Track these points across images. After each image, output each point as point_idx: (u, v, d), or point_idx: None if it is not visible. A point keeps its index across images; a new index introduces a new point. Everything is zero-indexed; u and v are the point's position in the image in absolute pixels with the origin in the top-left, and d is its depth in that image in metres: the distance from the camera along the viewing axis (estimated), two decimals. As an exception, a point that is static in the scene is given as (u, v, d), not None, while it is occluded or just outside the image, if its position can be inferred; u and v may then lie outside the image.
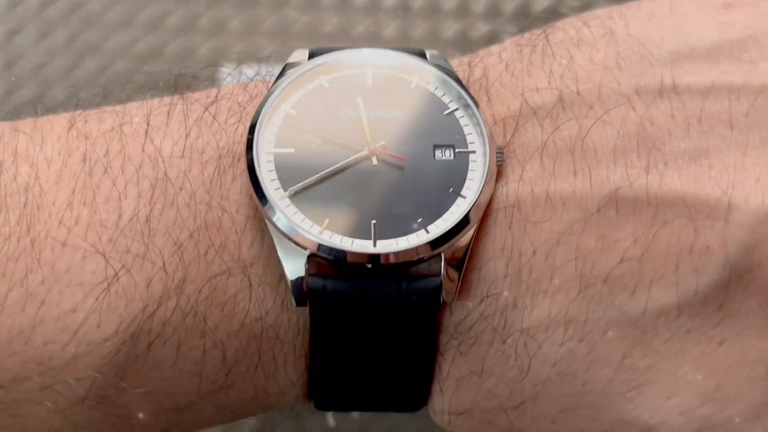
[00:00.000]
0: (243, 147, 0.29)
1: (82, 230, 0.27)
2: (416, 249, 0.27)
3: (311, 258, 0.27)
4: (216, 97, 0.30)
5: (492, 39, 0.49)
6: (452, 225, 0.28)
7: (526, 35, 0.32)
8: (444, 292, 0.28)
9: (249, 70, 0.33)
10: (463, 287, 0.28)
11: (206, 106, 0.30)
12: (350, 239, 0.27)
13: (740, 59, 0.29)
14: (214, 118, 0.29)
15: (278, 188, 0.28)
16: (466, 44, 0.49)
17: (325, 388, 0.29)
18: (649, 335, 0.27)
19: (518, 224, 0.28)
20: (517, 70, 0.30)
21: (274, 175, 0.28)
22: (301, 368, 0.29)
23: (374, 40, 0.49)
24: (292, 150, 0.29)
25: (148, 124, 0.29)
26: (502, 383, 0.29)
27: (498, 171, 0.28)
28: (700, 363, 0.27)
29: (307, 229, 0.27)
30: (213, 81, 0.36)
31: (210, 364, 0.28)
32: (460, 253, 0.28)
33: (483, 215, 0.28)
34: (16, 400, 0.27)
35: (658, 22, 0.30)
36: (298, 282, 0.27)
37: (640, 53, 0.29)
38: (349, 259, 0.27)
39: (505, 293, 0.28)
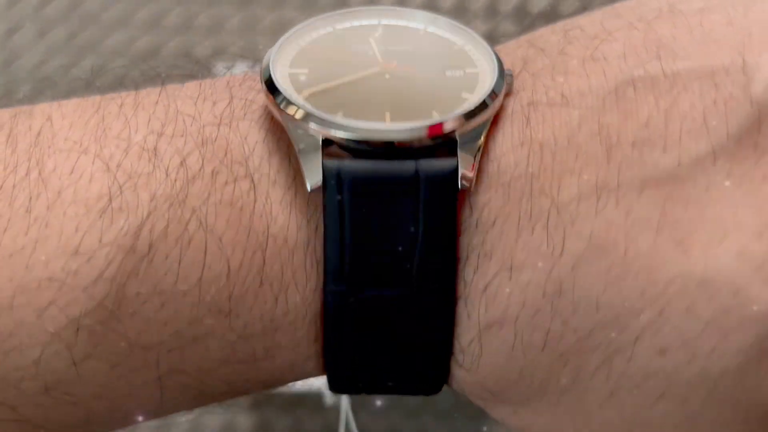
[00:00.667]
0: (255, 94, 0.29)
1: (90, 159, 0.27)
2: (430, 127, 0.27)
3: (325, 145, 0.27)
4: (226, 76, 0.31)
5: (490, 38, 0.49)
6: (467, 110, 0.27)
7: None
8: (461, 175, 0.27)
9: (245, 68, 0.33)
10: (482, 179, 0.27)
11: (217, 73, 0.31)
12: (364, 122, 0.27)
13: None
14: (227, 82, 0.30)
15: (293, 91, 0.28)
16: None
17: (339, 313, 0.28)
18: (687, 186, 0.26)
19: (536, 117, 0.27)
20: (520, 40, 0.31)
21: (289, 83, 0.28)
22: (312, 287, 0.28)
23: (373, 39, 0.50)
24: (306, 70, 0.29)
25: (161, 86, 0.29)
26: (536, 274, 0.27)
27: (508, 93, 0.28)
28: (746, 202, 0.26)
29: (320, 113, 0.27)
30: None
31: (212, 282, 0.27)
32: (476, 139, 0.27)
33: (496, 116, 0.28)
34: (13, 323, 0.27)
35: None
36: (313, 168, 0.27)
37: (637, 2, 0.30)
38: (363, 135, 0.27)
39: (529, 179, 0.27)
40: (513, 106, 0.28)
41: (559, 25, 0.30)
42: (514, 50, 0.30)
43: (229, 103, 0.29)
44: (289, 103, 0.27)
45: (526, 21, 0.50)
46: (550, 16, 0.50)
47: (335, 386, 0.29)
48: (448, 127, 0.27)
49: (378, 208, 0.27)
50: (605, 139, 0.27)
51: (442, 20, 0.31)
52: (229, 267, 0.27)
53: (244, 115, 0.29)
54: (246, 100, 0.29)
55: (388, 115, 0.28)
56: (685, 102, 0.27)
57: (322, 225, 0.27)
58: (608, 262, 0.26)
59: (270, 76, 0.28)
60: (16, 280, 0.26)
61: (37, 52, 0.49)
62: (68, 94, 0.47)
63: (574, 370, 0.27)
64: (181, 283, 0.27)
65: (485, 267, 0.27)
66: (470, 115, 0.27)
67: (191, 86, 0.30)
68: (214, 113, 0.28)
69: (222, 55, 0.49)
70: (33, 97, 0.48)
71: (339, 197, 0.27)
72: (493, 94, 0.28)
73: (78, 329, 0.27)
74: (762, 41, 0.28)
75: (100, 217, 0.27)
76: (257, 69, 0.31)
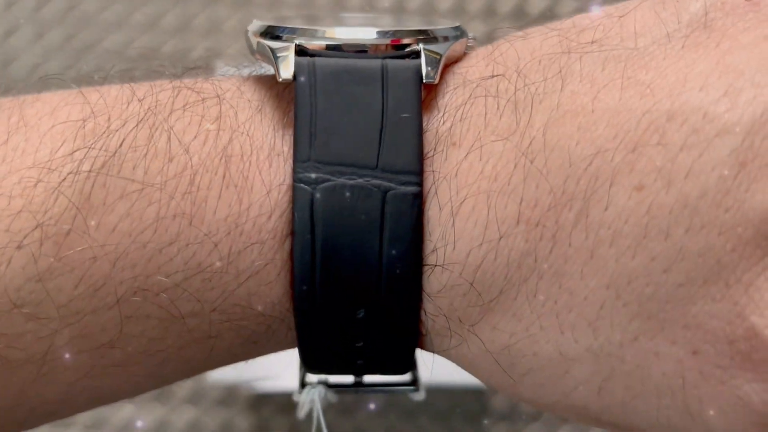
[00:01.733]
0: (239, 79, 0.30)
1: (70, 97, 0.29)
2: (397, 32, 0.29)
3: (298, 50, 0.28)
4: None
5: (488, 40, 0.49)
6: (433, 28, 0.29)
7: None
8: (425, 69, 0.28)
9: (243, 71, 0.34)
10: (447, 80, 0.29)
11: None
12: (336, 30, 0.29)
13: None
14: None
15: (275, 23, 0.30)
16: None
17: (305, 206, 0.27)
18: (645, 58, 0.27)
19: (500, 46, 0.29)
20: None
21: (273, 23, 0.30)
22: (279, 179, 0.28)
23: (370, 40, 0.50)
24: (286, 21, 0.30)
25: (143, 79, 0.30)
26: (506, 148, 0.27)
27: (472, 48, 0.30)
28: (704, 60, 0.27)
29: (294, 25, 0.29)
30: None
31: (177, 188, 0.27)
32: (439, 51, 0.28)
33: (461, 52, 0.29)
34: None
35: None
36: (285, 61, 0.28)
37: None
38: (335, 41, 0.28)
39: (494, 79, 0.28)
40: (477, 49, 0.29)
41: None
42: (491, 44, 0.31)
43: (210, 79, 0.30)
44: (267, 24, 0.29)
45: (524, 22, 0.50)
46: (549, 18, 0.50)
47: (302, 328, 0.28)
48: (413, 35, 0.29)
49: (346, 98, 0.28)
50: (565, 42, 0.28)
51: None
52: (192, 172, 0.27)
53: (221, 80, 0.29)
54: (221, 79, 0.30)
55: (359, 31, 0.29)
56: (638, 13, 0.28)
57: (290, 124, 0.28)
58: (577, 121, 0.27)
59: (254, 24, 0.30)
60: None
61: (35, 53, 0.49)
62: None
63: (551, 238, 0.27)
64: (147, 188, 0.27)
65: (454, 154, 0.27)
66: (436, 32, 0.29)
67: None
68: (194, 84, 0.29)
69: (219, 56, 0.49)
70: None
71: (310, 86, 0.27)
72: (456, 28, 0.29)
73: (44, 237, 0.27)
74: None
75: (74, 136, 0.27)
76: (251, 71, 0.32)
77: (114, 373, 0.29)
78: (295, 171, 0.27)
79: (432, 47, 0.28)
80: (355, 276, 0.27)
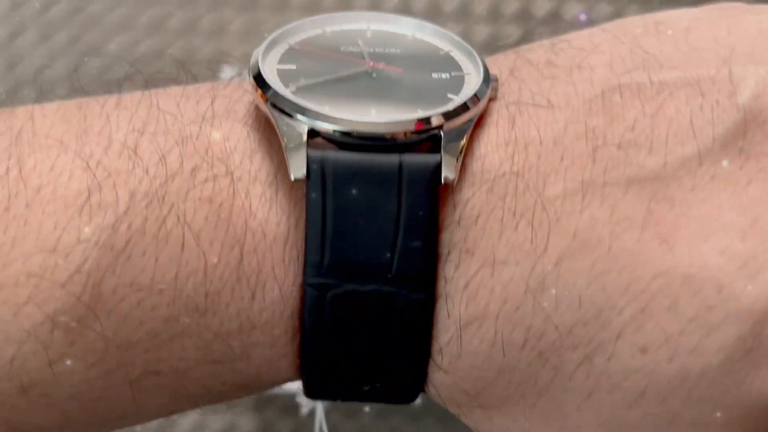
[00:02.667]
0: (240, 94, 0.29)
1: (71, 157, 0.27)
2: (415, 122, 0.27)
3: (310, 137, 0.27)
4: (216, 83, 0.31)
5: (493, 41, 0.49)
6: (451, 108, 0.28)
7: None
8: (444, 169, 0.27)
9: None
10: (466, 176, 0.27)
11: (204, 84, 0.30)
12: (350, 114, 0.28)
13: (720, 15, 0.30)
14: (212, 85, 0.30)
15: (281, 85, 0.29)
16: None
17: (317, 308, 0.27)
18: (672, 187, 0.26)
19: (521, 119, 0.28)
20: (508, 52, 0.31)
21: (278, 79, 0.29)
22: (290, 282, 0.28)
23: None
24: (294, 66, 0.29)
25: (144, 88, 0.29)
26: (518, 271, 0.27)
27: (493, 98, 0.29)
28: (731, 204, 0.26)
29: (306, 104, 0.28)
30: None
31: (190, 278, 0.27)
32: (459, 138, 0.27)
33: (481, 117, 0.28)
34: None
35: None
36: (297, 159, 0.27)
37: (623, 23, 0.31)
38: (348, 127, 0.27)
39: (514, 177, 0.27)
40: (498, 108, 0.28)
41: (547, 40, 0.31)
42: (501, 61, 0.30)
43: (212, 102, 0.29)
44: (277, 95, 0.28)
45: (529, 24, 0.50)
46: (552, 20, 0.50)
47: (310, 390, 0.29)
48: (432, 122, 0.27)
49: (360, 200, 0.27)
50: (591, 140, 0.27)
51: (429, 27, 0.31)
52: (206, 263, 0.27)
53: (227, 113, 0.29)
54: (230, 99, 0.29)
55: (373, 111, 0.28)
56: (671, 107, 0.27)
57: (303, 218, 0.27)
58: (592, 259, 0.26)
59: (258, 71, 0.28)
60: None
61: (40, 55, 0.49)
62: (70, 98, 0.47)
63: (553, 369, 0.27)
64: (158, 280, 0.27)
65: (467, 263, 0.27)
66: (455, 113, 0.28)
67: (175, 88, 0.30)
68: (196, 111, 0.28)
69: (225, 58, 0.49)
70: (36, 101, 0.48)
71: (322, 188, 0.27)
72: (477, 96, 0.28)
73: (54, 327, 0.27)
74: (747, 54, 0.28)
75: (79, 214, 0.27)
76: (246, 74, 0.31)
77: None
78: (305, 275, 0.27)
79: (454, 136, 0.27)
80: (364, 370, 0.28)
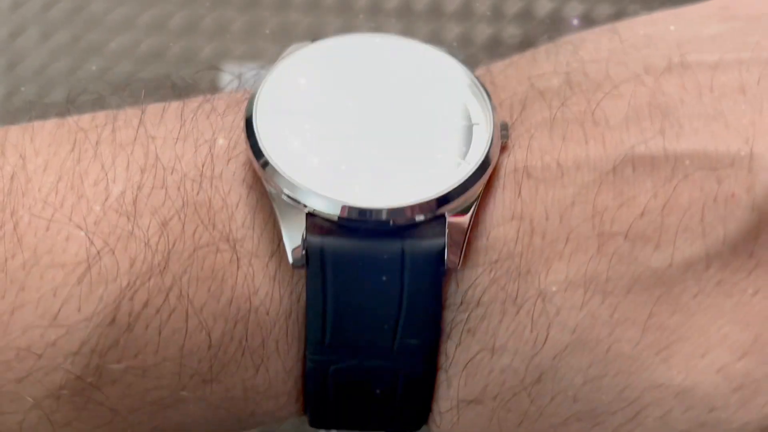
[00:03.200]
0: (239, 133, 0.28)
1: (67, 212, 0.26)
2: (418, 206, 0.26)
3: (309, 217, 0.26)
4: (213, 96, 0.30)
5: (495, 41, 0.49)
6: (456, 185, 0.26)
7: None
8: (448, 255, 0.26)
9: (249, 72, 0.33)
10: (470, 255, 0.27)
11: (202, 101, 0.29)
12: (351, 193, 0.27)
13: (745, 41, 0.28)
14: (212, 107, 0.29)
15: (279, 153, 0.27)
16: (469, 47, 0.49)
17: (320, 379, 0.28)
18: (676, 290, 0.26)
19: (528, 188, 0.27)
20: (521, 62, 0.30)
21: (276, 144, 0.27)
22: (294, 356, 0.28)
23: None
24: (290, 115, 0.28)
25: (141, 117, 0.28)
26: (517, 359, 0.27)
27: (503, 146, 0.27)
28: (734, 315, 0.26)
29: (305, 184, 0.26)
30: (214, 86, 0.36)
31: (194, 352, 0.27)
32: (464, 215, 0.26)
33: (488, 181, 0.27)
34: None
35: (661, 19, 0.30)
36: (296, 241, 0.26)
37: (646, 41, 0.29)
38: (349, 214, 0.26)
39: (517, 259, 0.26)
40: (506, 168, 0.27)
41: (562, 59, 0.29)
42: (513, 87, 0.29)
43: (211, 148, 0.28)
44: (275, 171, 0.27)
45: (531, 24, 0.50)
46: (555, 19, 0.50)
47: (314, 424, 0.29)
48: (436, 207, 0.26)
49: (361, 285, 0.26)
50: (598, 225, 0.26)
51: (443, 56, 0.29)
52: (210, 338, 0.27)
53: (228, 161, 0.28)
54: (229, 141, 0.28)
55: (376, 186, 0.27)
56: (684, 194, 0.26)
57: (304, 296, 0.27)
58: (590, 359, 0.26)
59: (254, 132, 0.27)
60: None
61: (41, 54, 0.49)
62: (71, 97, 0.47)
63: None
64: (162, 353, 0.27)
65: (467, 343, 0.27)
66: (462, 188, 0.27)
67: (171, 117, 0.28)
68: (195, 162, 0.27)
69: (226, 59, 0.49)
70: (36, 100, 0.48)
71: (322, 274, 0.26)
72: (483, 167, 0.27)
73: (59, 398, 0.26)
74: None
75: (79, 284, 0.26)
76: (254, 75, 0.31)
77: None
78: (306, 354, 0.27)
79: (459, 212, 0.26)
80: (367, 424, 0.29)
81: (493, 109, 0.28)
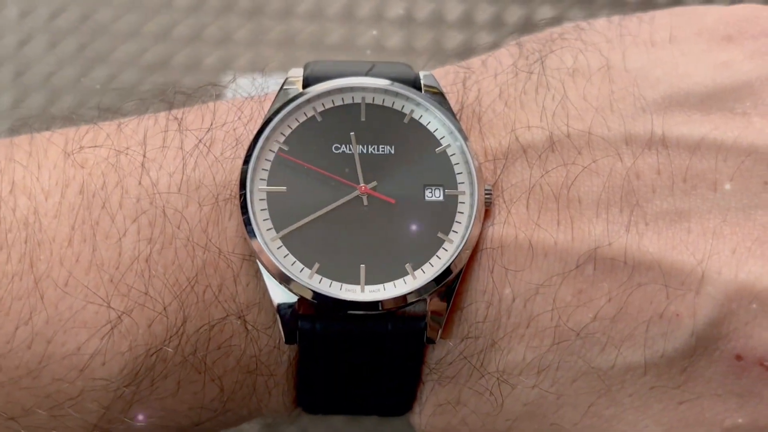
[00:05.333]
0: (238, 183, 0.29)
1: (83, 270, 0.28)
2: (403, 297, 0.28)
3: (302, 299, 0.28)
4: (211, 124, 0.30)
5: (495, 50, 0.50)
6: (436, 273, 0.28)
7: (525, 48, 0.32)
8: (427, 333, 0.29)
9: (244, 80, 0.33)
10: (446, 326, 0.29)
11: (200, 137, 0.30)
12: (339, 284, 0.28)
13: (733, 110, 0.29)
14: (209, 149, 0.29)
15: (270, 228, 0.28)
16: (470, 54, 0.50)
17: (313, 401, 0.30)
18: (615, 388, 0.29)
19: (500, 270, 0.29)
20: (510, 98, 0.30)
21: (267, 214, 0.29)
22: (292, 393, 0.30)
23: (378, 50, 0.50)
24: (284, 188, 0.29)
25: (144, 156, 0.29)
26: (476, 415, 0.30)
27: (486, 210, 0.29)
28: (661, 418, 0.29)
29: (297, 273, 0.28)
30: (212, 94, 0.37)
31: (208, 396, 0.30)
32: (444, 297, 0.29)
33: (469, 256, 0.29)
34: (28, 428, 0.28)
35: (656, 55, 0.30)
36: (289, 324, 0.28)
37: (634, 94, 0.30)
38: (337, 306, 0.28)
39: (484, 336, 0.29)
40: (484, 242, 0.29)
41: (550, 106, 0.30)
42: (499, 133, 0.30)
43: (215, 203, 0.29)
44: (268, 260, 0.28)
45: (532, 31, 0.50)
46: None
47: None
48: (419, 296, 0.28)
49: (348, 359, 0.29)
50: (556, 318, 0.28)
51: (425, 104, 0.30)
52: (222, 389, 0.30)
53: (229, 216, 0.29)
54: (230, 193, 0.29)
55: (362, 271, 0.28)
56: (635, 303, 0.28)
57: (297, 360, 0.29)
58: (535, 427, 0.30)
59: (245, 200, 0.28)
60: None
61: (49, 62, 0.49)
62: (79, 105, 0.48)
63: None
64: (180, 399, 0.29)
65: (437, 392, 0.30)
66: (443, 275, 0.28)
67: (171, 159, 0.29)
68: (200, 218, 0.29)
69: (230, 66, 0.49)
70: (44, 107, 0.48)
71: (313, 352, 0.29)
72: (462, 255, 0.29)
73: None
74: (726, 244, 0.28)
75: (100, 339, 0.28)
76: (258, 82, 0.31)
77: None
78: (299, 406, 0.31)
79: (441, 295, 0.29)
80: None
81: (478, 177, 0.29)
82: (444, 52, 0.50)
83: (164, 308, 0.28)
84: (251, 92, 0.32)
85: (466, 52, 0.50)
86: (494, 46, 0.50)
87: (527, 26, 0.50)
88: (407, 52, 0.50)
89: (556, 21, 0.50)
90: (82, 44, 0.49)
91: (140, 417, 0.29)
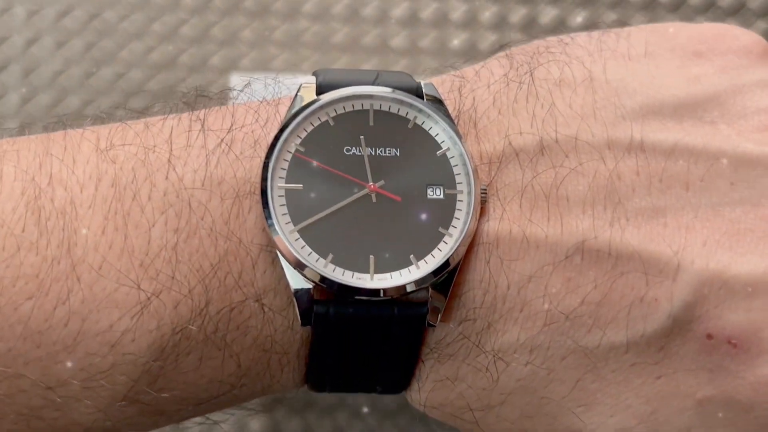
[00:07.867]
0: (258, 179, 0.32)
1: (116, 256, 0.30)
2: (408, 284, 0.31)
3: (316, 285, 0.31)
4: (231, 125, 0.33)
5: (499, 50, 0.50)
6: (438, 264, 0.31)
7: (515, 60, 0.35)
8: (429, 318, 0.31)
9: (258, 85, 0.34)
10: (446, 311, 0.32)
11: (222, 137, 0.32)
12: (351, 273, 0.31)
13: (703, 119, 0.33)
14: (230, 148, 0.32)
15: (288, 222, 0.31)
16: (474, 54, 0.50)
17: (322, 379, 0.33)
18: (600, 364, 0.32)
19: (496, 261, 0.32)
20: (503, 106, 0.33)
21: (285, 209, 0.31)
22: (303, 369, 0.33)
23: (383, 49, 0.50)
24: (300, 186, 0.32)
25: (170, 153, 0.32)
26: (472, 389, 0.33)
27: (481, 207, 0.32)
28: (640, 391, 0.32)
29: (313, 262, 0.31)
30: (224, 95, 0.37)
31: (226, 372, 0.32)
32: (445, 284, 0.31)
33: (467, 249, 0.32)
34: (63, 398, 0.31)
35: (633, 68, 0.34)
36: (305, 307, 0.31)
37: (615, 104, 0.33)
38: (349, 292, 0.31)
39: (481, 319, 0.32)
40: (481, 236, 0.32)
41: (540, 113, 0.33)
42: (494, 138, 0.33)
43: (236, 197, 0.31)
44: (286, 249, 0.31)
45: (535, 32, 0.50)
46: (557, 28, 0.50)
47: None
48: (422, 284, 0.31)
49: (356, 341, 0.32)
50: (547, 303, 0.31)
51: (429, 112, 0.33)
52: (240, 365, 0.32)
53: (249, 209, 0.31)
54: (250, 189, 0.31)
55: (372, 262, 0.31)
56: (618, 290, 0.31)
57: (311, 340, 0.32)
58: (527, 400, 0.33)
59: (266, 195, 0.31)
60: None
61: (56, 62, 0.49)
62: (85, 103, 0.48)
63: None
64: (201, 374, 0.32)
65: (437, 370, 0.33)
66: (444, 266, 0.31)
67: (195, 157, 0.32)
68: (221, 212, 0.31)
69: (236, 66, 0.50)
70: (50, 108, 0.48)
71: (325, 333, 0.31)
72: (461, 248, 0.31)
73: (107, 414, 0.31)
74: (698, 237, 0.32)
75: (131, 318, 0.30)
76: (269, 82, 0.32)
77: None
78: (309, 386, 0.34)
79: (441, 283, 0.31)
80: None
81: (475, 177, 0.32)
82: (448, 51, 0.50)
83: (189, 291, 0.30)
84: (265, 96, 0.34)
85: (470, 51, 0.50)
86: (499, 46, 0.50)
87: (530, 26, 0.51)
88: (411, 52, 0.50)
89: (558, 23, 0.51)
90: (90, 44, 0.49)
91: (164, 389, 0.31)
